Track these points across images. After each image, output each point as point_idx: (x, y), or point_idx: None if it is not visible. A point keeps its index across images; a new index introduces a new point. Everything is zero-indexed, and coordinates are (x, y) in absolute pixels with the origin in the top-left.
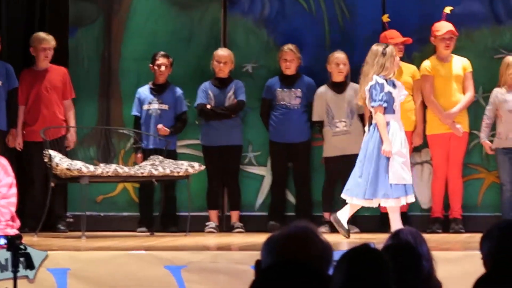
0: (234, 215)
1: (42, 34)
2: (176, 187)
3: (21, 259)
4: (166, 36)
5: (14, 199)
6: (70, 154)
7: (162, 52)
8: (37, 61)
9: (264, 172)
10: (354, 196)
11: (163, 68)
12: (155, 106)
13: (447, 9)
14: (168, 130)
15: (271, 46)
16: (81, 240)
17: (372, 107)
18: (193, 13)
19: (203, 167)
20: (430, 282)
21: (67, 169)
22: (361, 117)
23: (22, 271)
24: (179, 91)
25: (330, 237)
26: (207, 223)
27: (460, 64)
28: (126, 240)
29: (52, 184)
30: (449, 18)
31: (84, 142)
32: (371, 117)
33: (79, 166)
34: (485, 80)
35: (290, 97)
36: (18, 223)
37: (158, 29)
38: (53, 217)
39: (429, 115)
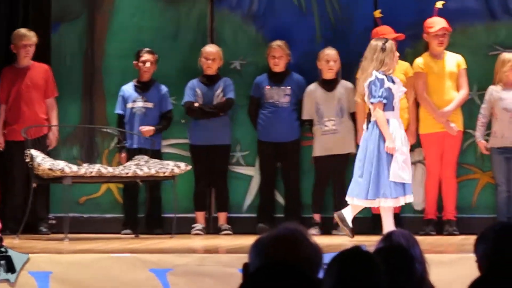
0: (222, 216)
1: (23, 30)
2: (162, 187)
3: (2, 262)
4: (152, 32)
5: None
6: (52, 154)
7: (146, 49)
8: (18, 58)
9: (252, 172)
10: (355, 196)
11: (148, 64)
12: (140, 104)
13: (439, 4)
14: (152, 128)
15: (260, 43)
16: (64, 242)
17: (372, 103)
18: (179, 9)
19: (189, 167)
20: (423, 286)
21: (49, 169)
22: (352, 116)
23: (2, 275)
24: (164, 88)
25: (320, 239)
26: (193, 225)
27: (453, 61)
28: (110, 242)
29: (34, 185)
30: (443, 13)
31: (67, 141)
32: (369, 115)
33: (61, 166)
34: (480, 77)
35: (279, 95)
36: None
37: (143, 25)
38: (35, 218)
39: (422, 114)
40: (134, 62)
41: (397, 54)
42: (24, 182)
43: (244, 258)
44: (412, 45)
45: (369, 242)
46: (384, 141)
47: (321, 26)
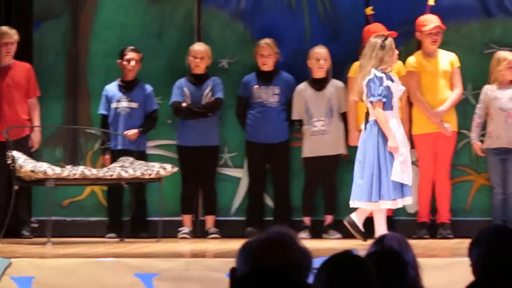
0: (210, 220)
1: (4, 28)
2: (147, 190)
3: None
4: (137, 30)
5: None
6: (34, 156)
7: (131, 47)
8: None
9: (241, 174)
10: (356, 199)
11: (133, 63)
12: (124, 104)
13: (431, 1)
14: (136, 131)
15: (248, 41)
16: (47, 246)
17: (371, 102)
18: (164, 6)
19: (176, 169)
20: None
21: (32, 171)
22: (343, 116)
23: None
24: (149, 88)
25: (310, 243)
26: (180, 229)
27: (447, 59)
28: (94, 246)
29: (16, 187)
30: (436, 10)
31: (49, 142)
32: (367, 114)
33: (44, 168)
34: (475, 76)
35: (268, 95)
36: None
37: (128, 23)
38: (17, 222)
39: (415, 114)
40: (118, 61)
41: (397, 52)
42: (6, 184)
43: (232, 262)
44: (404, 43)
45: (361, 246)
46: (385, 140)
47: (311, 24)
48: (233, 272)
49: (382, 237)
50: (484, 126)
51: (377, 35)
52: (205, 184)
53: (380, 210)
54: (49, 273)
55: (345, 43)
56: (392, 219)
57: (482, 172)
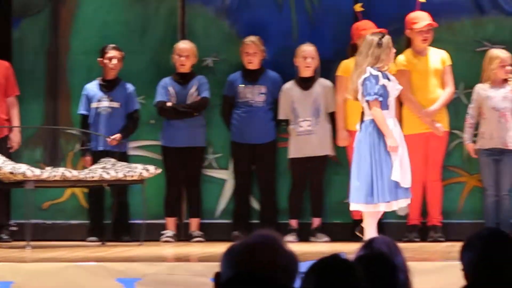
0: (194, 222)
1: None
2: (130, 192)
3: None
4: (119, 27)
5: None
6: (13, 157)
7: (112, 45)
8: None
9: (226, 175)
10: (354, 202)
11: (115, 61)
12: (105, 104)
13: None
14: (118, 135)
15: (233, 38)
16: (26, 250)
17: (367, 101)
18: (148, 2)
19: (159, 171)
20: None
21: (10, 172)
22: (331, 116)
23: None
24: (130, 87)
25: (297, 247)
26: (163, 232)
27: (438, 57)
28: (74, 250)
29: None
30: (426, 7)
31: (29, 143)
32: (363, 114)
33: (23, 169)
34: (467, 75)
35: (254, 94)
36: None
37: (110, 20)
38: None
39: (405, 113)
40: (98, 59)
41: (394, 50)
42: None
43: (216, 266)
44: (395, 41)
45: (349, 249)
46: (381, 141)
47: (298, 21)
48: (217, 277)
49: (371, 240)
50: (476, 126)
51: (373, 32)
52: (189, 186)
53: (374, 212)
54: (29, 278)
55: (334, 41)
56: (382, 222)
57: (475, 174)
